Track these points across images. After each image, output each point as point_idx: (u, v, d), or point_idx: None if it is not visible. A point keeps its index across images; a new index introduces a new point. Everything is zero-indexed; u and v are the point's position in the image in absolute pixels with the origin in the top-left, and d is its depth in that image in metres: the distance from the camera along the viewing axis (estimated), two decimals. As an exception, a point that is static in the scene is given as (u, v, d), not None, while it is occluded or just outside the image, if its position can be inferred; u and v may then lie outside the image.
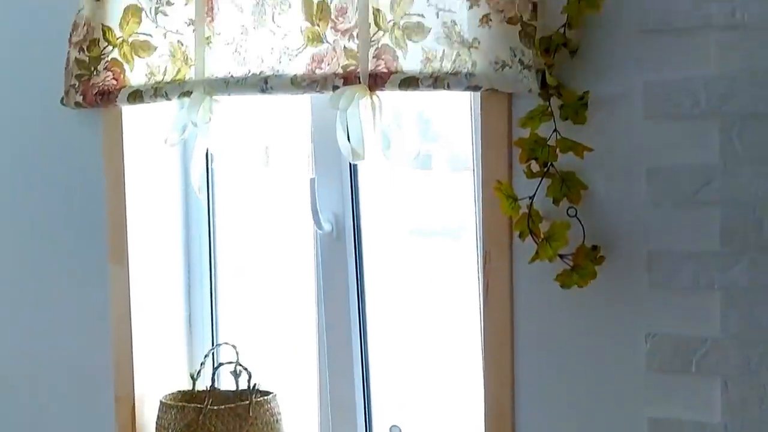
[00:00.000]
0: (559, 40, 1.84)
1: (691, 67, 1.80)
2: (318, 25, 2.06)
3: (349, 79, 2.03)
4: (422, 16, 1.97)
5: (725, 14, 1.76)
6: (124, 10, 2.25)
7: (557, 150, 1.85)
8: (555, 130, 1.86)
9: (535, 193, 1.88)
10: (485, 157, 1.98)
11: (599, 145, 1.85)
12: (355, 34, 2.02)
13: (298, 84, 2.08)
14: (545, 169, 1.88)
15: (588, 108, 1.85)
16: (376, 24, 2.00)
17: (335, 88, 2.03)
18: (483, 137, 1.99)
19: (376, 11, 2.00)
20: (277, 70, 2.11)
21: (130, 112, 2.34)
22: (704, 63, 1.79)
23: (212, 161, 2.47)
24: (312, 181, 2.28)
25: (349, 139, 2.02)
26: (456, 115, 2.19)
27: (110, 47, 2.26)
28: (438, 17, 1.95)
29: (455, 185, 2.30)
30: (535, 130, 1.86)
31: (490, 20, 1.90)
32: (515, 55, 1.88)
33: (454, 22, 1.94)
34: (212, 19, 2.17)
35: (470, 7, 1.92)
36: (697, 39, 1.79)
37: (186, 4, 2.20)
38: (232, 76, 2.16)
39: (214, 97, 2.17)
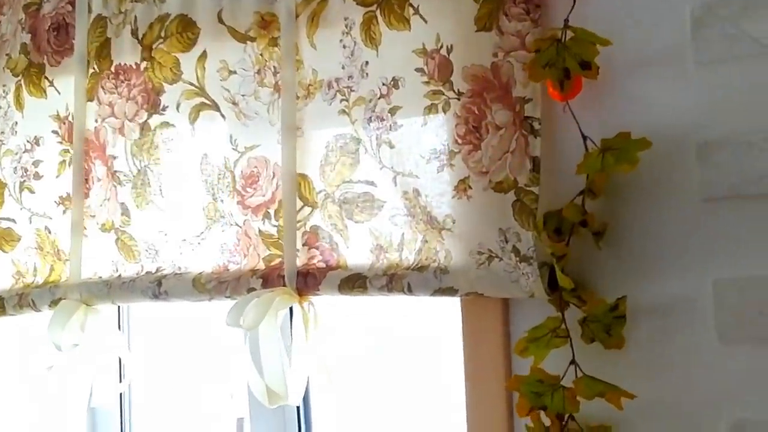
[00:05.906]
0: (575, 216, 1.15)
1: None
2: (221, 200, 1.41)
3: (269, 277, 1.36)
4: (372, 184, 1.30)
5: None
6: (-16, 190, 1.63)
7: (576, 396, 1.13)
8: (573, 361, 1.14)
9: (548, 463, 1.16)
10: (470, 399, 1.27)
11: (650, 385, 1.15)
12: (271, 212, 1.37)
13: (203, 287, 1.41)
14: (564, 424, 1.16)
15: (626, 323, 1.14)
16: (301, 197, 1.35)
17: (252, 290, 1.36)
18: (466, 366, 1.28)
19: (301, 177, 1.35)
20: (179, 266, 1.45)
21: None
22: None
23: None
24: (239, 422, 1.57)
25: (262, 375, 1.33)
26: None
27: (-35, 239, 1.64)
28: (396, 184, 1.28)
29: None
30: (539, 363, 1.15)
31: (470, 187, 1.22)
32: (507, 241, 1.19)
33: (417, 192, 1.27)
34: (86, 195, 1.53)
35: (440, 169, 1.25)
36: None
37: (57, 176, 1.56)
38: (120, 275, 1.50)
39: (92, 306, 1.51)
